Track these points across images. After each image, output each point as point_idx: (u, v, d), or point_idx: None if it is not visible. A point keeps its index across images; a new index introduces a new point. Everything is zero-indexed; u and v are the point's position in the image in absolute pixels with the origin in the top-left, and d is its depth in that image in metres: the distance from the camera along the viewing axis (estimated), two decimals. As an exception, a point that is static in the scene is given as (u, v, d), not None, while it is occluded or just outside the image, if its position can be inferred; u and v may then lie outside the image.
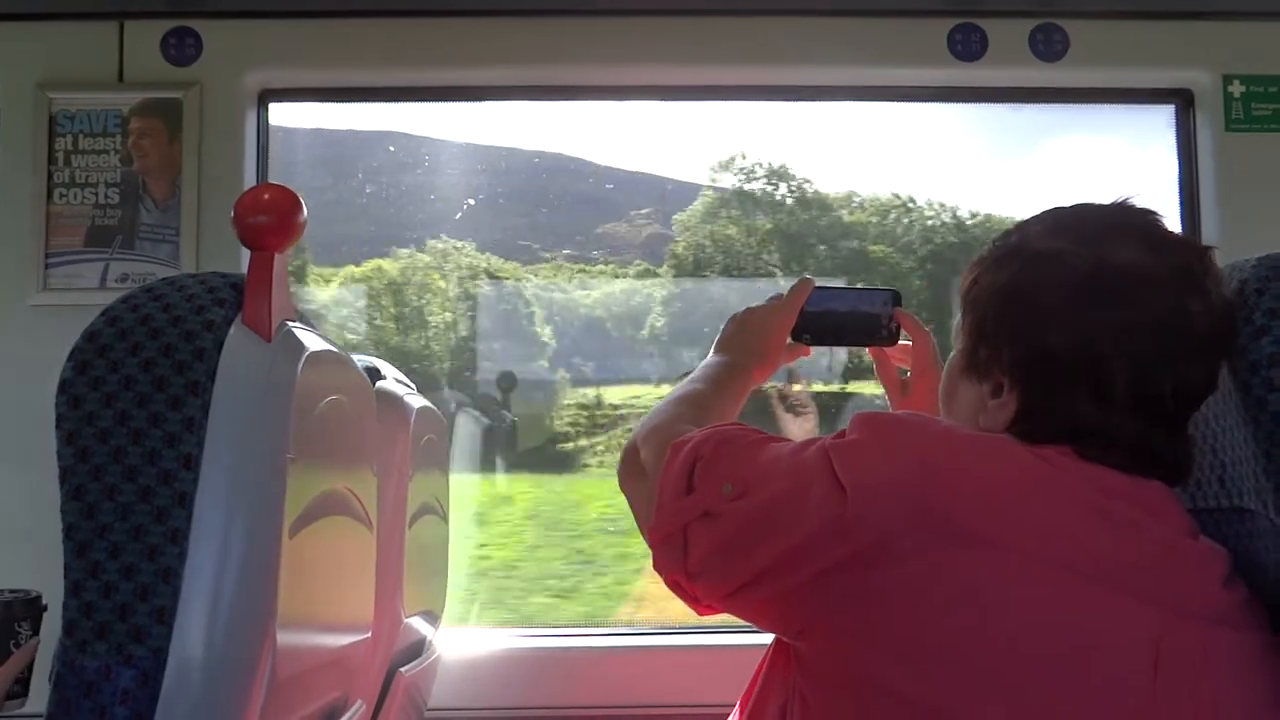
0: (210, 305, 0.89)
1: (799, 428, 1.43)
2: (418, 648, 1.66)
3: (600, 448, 3.21)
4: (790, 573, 0.86)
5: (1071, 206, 0.99)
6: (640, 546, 1.02)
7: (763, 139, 3.05)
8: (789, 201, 3.16)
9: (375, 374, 1.52)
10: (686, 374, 1.20)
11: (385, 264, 3.04)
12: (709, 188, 3.22)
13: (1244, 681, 0.85)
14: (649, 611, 2.78)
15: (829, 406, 2.69)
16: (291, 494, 0.88)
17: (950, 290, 2.84)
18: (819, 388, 2.68)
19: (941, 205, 3.08)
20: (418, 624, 1.61)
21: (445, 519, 1.87)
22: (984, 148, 2.68)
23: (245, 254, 0.93)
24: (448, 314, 3.12)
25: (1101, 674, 0.80)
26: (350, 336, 2.93)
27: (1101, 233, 0.93)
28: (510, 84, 2.11)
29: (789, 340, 1.26)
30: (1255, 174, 2.01)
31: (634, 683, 1.92)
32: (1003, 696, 0.80)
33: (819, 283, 1.26)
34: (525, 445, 3.15)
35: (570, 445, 3.23)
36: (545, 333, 3.20)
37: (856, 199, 3.21)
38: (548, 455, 3.21)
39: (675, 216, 3.22)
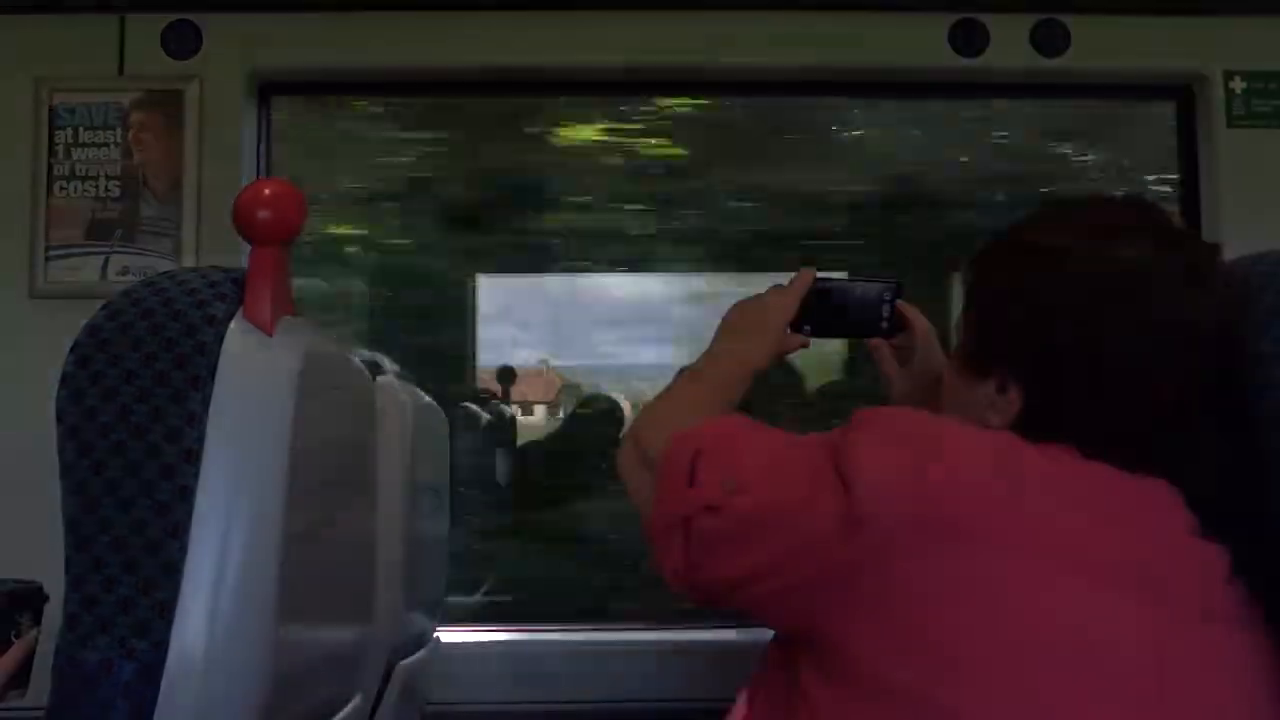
0: (212, 299, 0.89)
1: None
2: (418, 641, 1.67)
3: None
4: (792, 569, 0.86)
5: (1077, 201, 0.99)
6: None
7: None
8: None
9: (376, 368, 1.52)
10: (688, 364, 1.20)
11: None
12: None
13: (1246, 680, 0.85)
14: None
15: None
16: (292, 488, 0.88)
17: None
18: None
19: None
20: (417, 618, 1.62)
21: (445, 512, 1.87)
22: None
23: (246, 248, 0.93)
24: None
25: (1104, 673, 0.80)
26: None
27: (1108, 229, 0.93)
28: (518, 78, 2.10)
29: (789, 331, 1.26)
30: (1256, 170, 2.01)
31: (636, 678, 1.93)
32: (1005, 695, 0.80)
33: (819, 274, 1.26)
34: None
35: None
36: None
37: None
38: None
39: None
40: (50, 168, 1.94)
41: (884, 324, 1.26)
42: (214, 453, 0.85)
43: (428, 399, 1.67)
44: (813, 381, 2.85)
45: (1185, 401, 0.90)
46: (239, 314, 0.90)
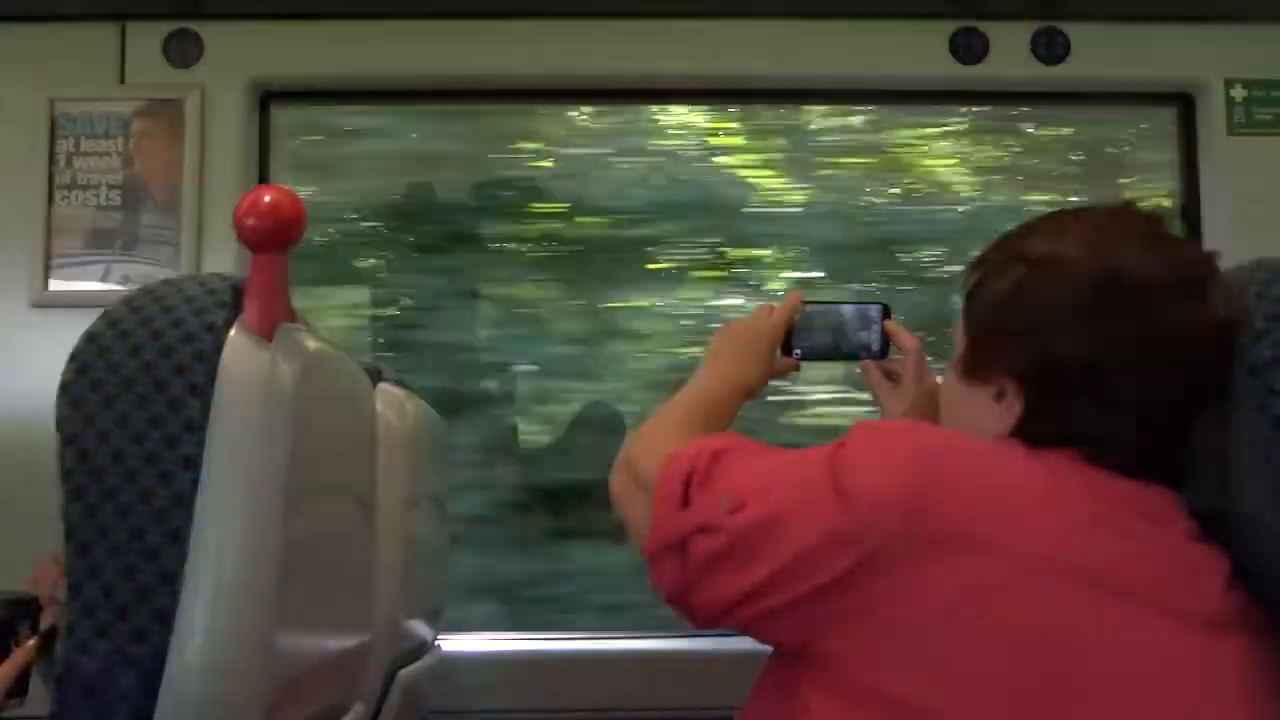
0: (211, 307, 0.89)
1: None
2: (418, 649, 1.67)
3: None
4: (791, 585, 0.86)
5: (1075, 210, 0.99)
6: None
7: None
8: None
9: (375, 375, 1.52)
10: (679, 385, 1.19)
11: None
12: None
13: (1247, 687, 0.84)
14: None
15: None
16: (291, 496, 0.88)
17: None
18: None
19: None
20: (418, 626, 1.61)
21: (445, 520, 1.87)
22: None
23: (246, 256, 0.93)
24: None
25: (1106, 680, 0.80)
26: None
27: (1106, 237, 0.92)
28: (517, 85, 2.11)
29: (779, 354, 1.25)
30: (1257, 178, 2.01)
31: (636, 686, 1.92)
32: (1007, 704, 0.80)
33: (807, 297, 1.27)
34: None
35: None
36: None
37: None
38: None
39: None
40: (52, 177, 1.95)
41: (874, 346, 1.26)
42: (213, 460, 0.85)
43: (427, 405, 1.67)
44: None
45: (1184, 409, 0.90)
46: (238, 321, 0.90)
